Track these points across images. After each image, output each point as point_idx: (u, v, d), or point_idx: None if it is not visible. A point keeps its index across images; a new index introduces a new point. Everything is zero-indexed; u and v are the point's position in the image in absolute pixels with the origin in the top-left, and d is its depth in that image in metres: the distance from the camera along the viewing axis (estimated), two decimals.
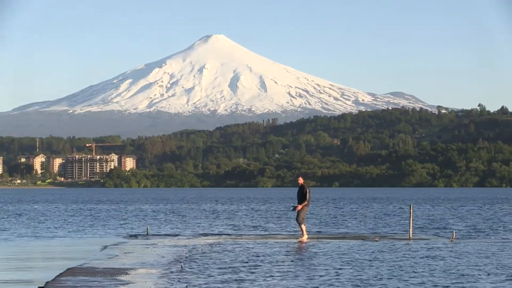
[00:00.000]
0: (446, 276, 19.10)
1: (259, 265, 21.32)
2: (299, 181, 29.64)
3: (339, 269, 20.44)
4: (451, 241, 29.72)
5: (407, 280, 18.42)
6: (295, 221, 30.02)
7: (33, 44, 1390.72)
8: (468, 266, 21.20)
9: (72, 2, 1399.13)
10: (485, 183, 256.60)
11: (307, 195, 28.97)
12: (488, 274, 19.54)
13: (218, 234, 34.23)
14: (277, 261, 22.33)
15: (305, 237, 29.58)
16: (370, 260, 22.52)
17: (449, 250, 25.91)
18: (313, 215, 53.44)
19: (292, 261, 22.53)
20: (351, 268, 20.55)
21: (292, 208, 29.60)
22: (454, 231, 32.19)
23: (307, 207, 29.12)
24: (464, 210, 61.26)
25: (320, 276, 19.16)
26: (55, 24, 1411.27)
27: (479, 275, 19.40)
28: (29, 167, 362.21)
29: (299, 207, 28.88)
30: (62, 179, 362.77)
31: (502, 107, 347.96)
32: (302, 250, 26.05)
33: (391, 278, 18.71)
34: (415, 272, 19.88)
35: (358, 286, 17.61)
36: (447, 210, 61.38)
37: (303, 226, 29.48)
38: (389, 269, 20.36)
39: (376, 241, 29.60)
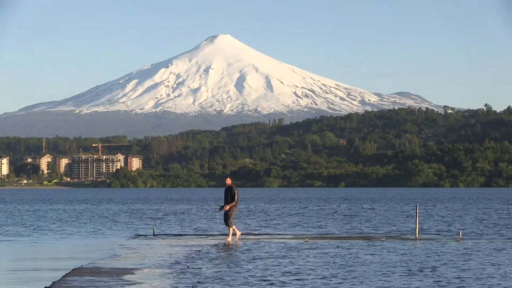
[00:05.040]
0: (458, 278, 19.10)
1: (268, 266, 21.32)
2: (226, 182, 30.06)
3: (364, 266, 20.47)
4: (458, 241, 29.70)
5: (412, 280, 18.43)
6: (223, 223, 30.17)
7: (39, 44, 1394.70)
8: (477, 265, 21.18)
9: (78, 2, 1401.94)
10: (491, 183, 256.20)
11: (236, 196, 29.29)
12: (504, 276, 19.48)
13: (222, 234, 34.22)
14: (288, 260, 22.35)
15: (230, 238, 29.80)
16: (381, 259, 22.54)
17: (456, 249, 25.88)
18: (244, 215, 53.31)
19: (313, 256, 22.51)
20: (366, 267, 20.57)
21: (219, 208, 29.82)
22: (460, 231, 32.16)
23: (236, 208, 29.55)
24: (469, 210, 61.17)
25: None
26: (61, 24, 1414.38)
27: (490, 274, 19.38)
28: (36, 167, 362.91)
29: (227, 207, 29.29)
30: (69, 179, 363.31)
31: (509, 107, 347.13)
32: (232, 248, 26.17)
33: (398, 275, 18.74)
34: (422, 269, 19.89)
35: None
36: (452, 210, 61.31)
37: (231, 229, 29.69)
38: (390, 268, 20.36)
39: (383, 241, 29.62)
